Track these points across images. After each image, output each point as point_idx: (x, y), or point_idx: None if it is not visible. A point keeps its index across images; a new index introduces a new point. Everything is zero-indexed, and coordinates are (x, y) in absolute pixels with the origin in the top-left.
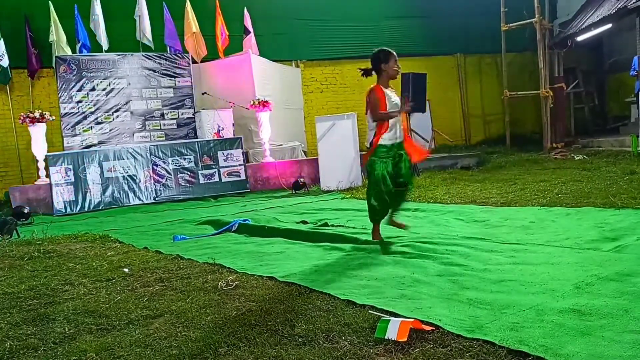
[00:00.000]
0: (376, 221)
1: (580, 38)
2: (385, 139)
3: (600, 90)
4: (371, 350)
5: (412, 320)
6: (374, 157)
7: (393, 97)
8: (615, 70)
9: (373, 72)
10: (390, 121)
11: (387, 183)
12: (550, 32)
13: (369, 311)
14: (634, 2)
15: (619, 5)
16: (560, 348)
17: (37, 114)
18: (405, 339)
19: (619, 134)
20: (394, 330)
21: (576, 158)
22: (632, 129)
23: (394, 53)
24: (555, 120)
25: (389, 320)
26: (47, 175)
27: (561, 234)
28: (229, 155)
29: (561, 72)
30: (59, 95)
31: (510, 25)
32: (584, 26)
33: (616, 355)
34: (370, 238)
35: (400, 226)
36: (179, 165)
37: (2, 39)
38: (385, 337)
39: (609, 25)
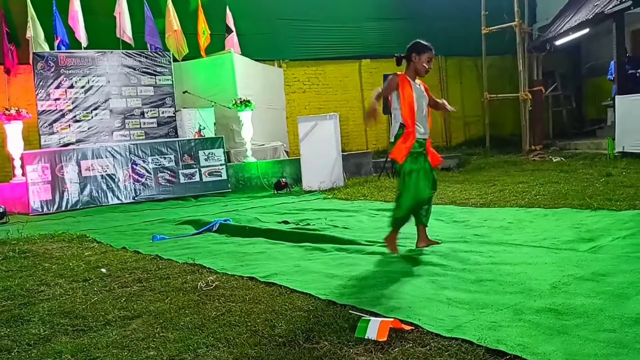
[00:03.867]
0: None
1: (558, 42)
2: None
3: (578, 93)
4: (351, 350)
5: (392, 319)
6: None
7: (419, 90)
8: (593, 74)
9: (404, 61)
10: (417, 114)
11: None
12: (530, 35)
13: (349, 311)
14: (610, 8)
15: (597, 11)
16: (537, 347)
17: (13, 111)
18: (385, 339)
19: (596, 137)
20: (373, 330)
21: (554, 160)
22: (609, 132)
23: (431, 49)
24: (534, 122)
25: (369, 320)
26: (24, 174)
27: (539, 234)
28: (210, 155)
29: (540, 75)
30: (36, 93)
31: (491, 28)
32: (562, 30)
33: (591, 354)
34: (354, 238)
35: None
36: (159, 165)
37: None
38: (365, 337)
39: (587, 30)
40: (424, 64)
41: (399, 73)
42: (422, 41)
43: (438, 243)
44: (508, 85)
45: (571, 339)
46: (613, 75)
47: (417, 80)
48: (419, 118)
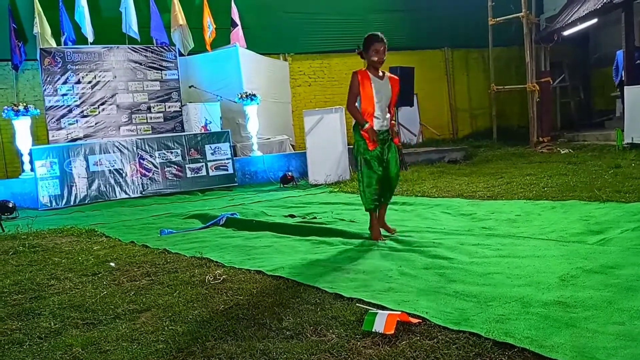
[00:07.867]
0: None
1: (566, 32)
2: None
3: (586, 84)
4: (358, 343)
5: (399, 313)
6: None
7: (380, 83)
8: (601, 65)
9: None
10: (376, 110)
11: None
12: (537, 26)
13: (357, 304)
14: None
15: (605, 0)
16: (545, 340)
17: (21, 107)
18: (392, 332)
19: (604, 128)
20: (381, 323)
21: (562, 152)
22: (617, 123)
23: (378, 40)
24: (542, 114)
25: (376, 313)
26: (32, 169)
27: (547, 227)
28: (216, 149)
29: (547, 66)
30: (44, 88)
31: (497, 19)
32: (570, 21)
33: (600, 347)
34: (360, 232)
35: (390, 230)
36: (166, 159)
37: None
38: (373, 330)
39: (595, 20)
40: (373, 57)
41: (358, 70)
42: (368, 35)
43: (393, 231)
44: (515, 77)
45: (580, 331)
46: (619, 78)
47: (385, 73)
48: (379, 108)
